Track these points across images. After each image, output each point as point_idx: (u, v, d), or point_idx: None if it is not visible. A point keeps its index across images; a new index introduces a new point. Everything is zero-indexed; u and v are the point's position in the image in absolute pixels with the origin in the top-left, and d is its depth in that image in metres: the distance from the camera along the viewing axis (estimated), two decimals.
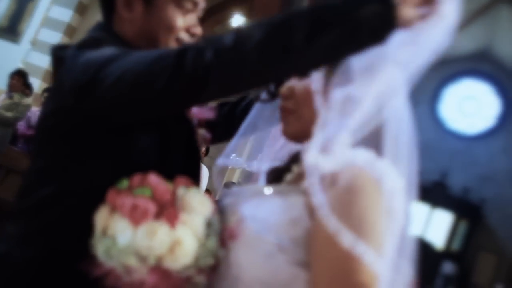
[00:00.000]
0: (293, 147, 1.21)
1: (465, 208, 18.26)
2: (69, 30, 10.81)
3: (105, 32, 1.18)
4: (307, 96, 1.06)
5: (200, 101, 1.02)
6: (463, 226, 18.60)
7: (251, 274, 0.95)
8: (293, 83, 1.11)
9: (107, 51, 1.02)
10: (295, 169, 1.12)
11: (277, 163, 1.24)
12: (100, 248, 0.93)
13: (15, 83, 5.85)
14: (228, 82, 0.93)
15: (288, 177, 1.11)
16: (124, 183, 0.96)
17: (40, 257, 1.04)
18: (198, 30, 1.23)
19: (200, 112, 1.29)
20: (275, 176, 1.18)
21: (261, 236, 0.96)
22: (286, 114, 1.11)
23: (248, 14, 9.76)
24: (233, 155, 1.29)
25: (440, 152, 19.27)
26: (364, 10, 0.88)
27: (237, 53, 0.90)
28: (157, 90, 0.92)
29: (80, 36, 10.80)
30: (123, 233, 0.90)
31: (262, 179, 1.26)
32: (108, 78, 0.95)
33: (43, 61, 10.60)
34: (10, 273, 1.04)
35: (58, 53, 1.16)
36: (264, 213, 1.01)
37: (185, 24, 1.20)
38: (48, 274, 1.03)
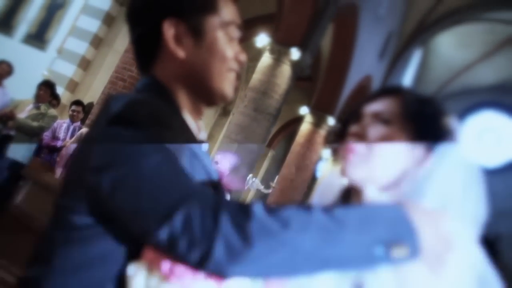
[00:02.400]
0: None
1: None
2: (96, 40, 10.93)
3: (150, 91, 1.10)
4: (384, 144, 1.05)
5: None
6: None
7: None
8: (369, 125, 1.09)
9: (131, 138, 0.93)
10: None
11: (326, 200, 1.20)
12: None
13: (42, 94, 5.88)
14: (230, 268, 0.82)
15: None
16: None
17: None
18: (244, 57, 1.18)
19: (231, 182, 1.24)
20: None
21: None
22: (352, 155, 1.07)
23: (273, 34, 9.80)
24: (251, 176, 1.26)
25: None
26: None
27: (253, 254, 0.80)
28: (151, 235, 0.85)
29: (106, 47, 10.94)
30: None
31: None
32: (112, 188, 0.90)
33: (68, 70, 10.72)
34: None
35: (107, 103, 1.05)
36: None
37: (234, 52, 1.15)
38: None
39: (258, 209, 0.84)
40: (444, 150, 1.04)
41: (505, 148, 19.92)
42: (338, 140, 1.17)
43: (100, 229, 0.97)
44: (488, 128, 20.26)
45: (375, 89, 1.22)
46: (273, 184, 11.15)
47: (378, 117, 1.09)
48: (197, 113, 1.19)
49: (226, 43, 1.14)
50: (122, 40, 10.35)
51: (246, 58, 1.19)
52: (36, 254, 1.07)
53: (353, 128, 1.11)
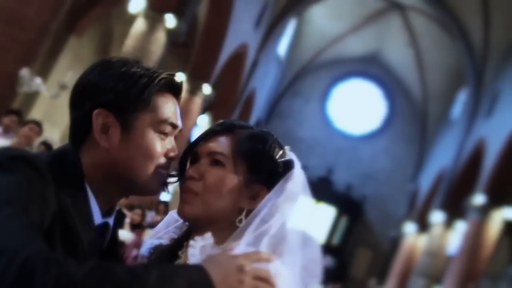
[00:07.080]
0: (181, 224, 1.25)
1: (347, 204, 19.30)
2: None
3: (61, 158, 1.11)
4: (219, 186, 1.13)
5: None
6: (344, 221, 19.67)
7: None
8: (204, 167, 1.15)
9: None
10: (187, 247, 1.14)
11: (159, 241, 1.24)
12: None
13: None
14: None
15: (182, 254, 1.15)
16: None
17: None
18: (175, 154, 1.18)
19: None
20: (167, 255, 1.18)
21: None
22: (189, 195, 1.14)
23: None
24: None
25: (327, 149, 20.12)
26: None
27: None
28: None
29: None
30: None
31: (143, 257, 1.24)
32: None
33: None
34: None
35: None
36: None
37: (163, 149, 1.15)
38: None
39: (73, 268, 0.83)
40: (279, 186, 1.13)
41: (370, 116, 21.33)
42: (178, 181, 1.22)
43: None
44: (355, 97, 21.51)
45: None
46: None
47: (213, 158, 1.16)
48: (110, 202, 1.18)
49: (155, 139, 1.14)
50: None
51: (177, 154, 1.20)
52: None
53: (190, 171, 1.17)
